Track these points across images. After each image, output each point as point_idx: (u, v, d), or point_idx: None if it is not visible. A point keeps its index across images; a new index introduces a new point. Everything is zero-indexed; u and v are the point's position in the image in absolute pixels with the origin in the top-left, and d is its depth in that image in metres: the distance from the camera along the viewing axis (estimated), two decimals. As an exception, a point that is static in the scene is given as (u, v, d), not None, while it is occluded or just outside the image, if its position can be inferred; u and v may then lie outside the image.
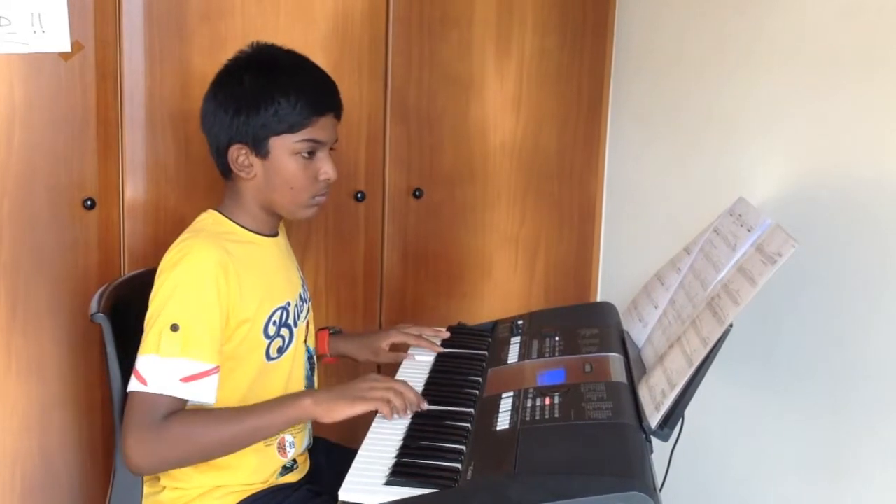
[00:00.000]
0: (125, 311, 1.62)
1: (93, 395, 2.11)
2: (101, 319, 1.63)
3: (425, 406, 1.58)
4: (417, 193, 2.38)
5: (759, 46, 1.98)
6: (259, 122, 1.61)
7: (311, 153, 1.64)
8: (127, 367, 1.56)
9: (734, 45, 2.07)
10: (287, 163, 1.63)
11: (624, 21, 2.53)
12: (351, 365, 2.04)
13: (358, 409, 1.53)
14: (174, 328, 1.50)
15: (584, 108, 2.56)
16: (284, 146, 1.62)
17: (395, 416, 1.54)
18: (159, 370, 1.49)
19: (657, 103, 2.40)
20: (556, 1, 2.46)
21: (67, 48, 1.97)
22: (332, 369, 2.14)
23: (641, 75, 2.48)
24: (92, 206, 2.05)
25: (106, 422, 2.11)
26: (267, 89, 1.61)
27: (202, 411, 1.53)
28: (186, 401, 1.51)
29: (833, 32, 1.78)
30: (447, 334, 1.94)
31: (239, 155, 1.63)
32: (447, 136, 2.41)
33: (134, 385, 1.49)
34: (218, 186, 1.74)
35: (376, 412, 1.55)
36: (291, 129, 1.62)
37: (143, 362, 1.50)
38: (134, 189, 2.09)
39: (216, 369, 1.53)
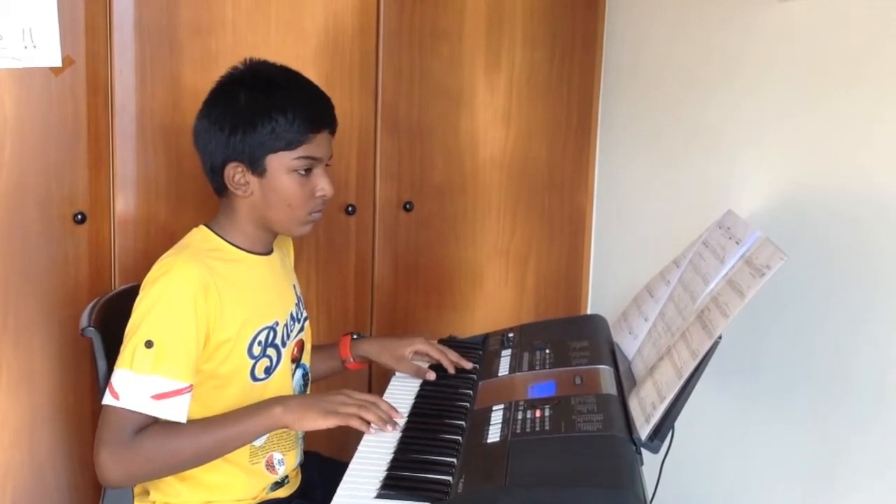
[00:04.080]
0: (115, 326, 1.62)
1: (83, 409, 2.11)
2: (92, 334, 1.64)
3: (398, 418, 1.59)
4: (408, 207, 2.39)
5: (747, 59, 2.00)
6: (256, 140, 1.59)
7: (308, 170, 1.63)
8: (117, 382, 1.56)
9: (722, 57, 2.09)
10: (284, 180, 1.62)
11: (613, 34, 2.55)
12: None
13: (330, 422, 1.53)
14: (148, 344, 1.50)
15: (574, 120, 2.57)
16: (281, 164, 1.61)
17: (373, 429, 1.54)
18: (131, 386, 1.48)
19: (646, 115, 2.42)
20: (545, 14, 2.47)
21: (58, 63, 1.97)
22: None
23: (630, 88, 2.49)
24: (82, 221, 2.05)
25: (96, 436, 2.10)
26: (263, 106, 1.59)
27: (174, 425, 1.51)
28: (157, 418, 1.50)
29: (819, 45, 1.79)
30: (470, 365, 1.84)
31: (235, 173, 1.62)
32: (437, 149, 2.42)
33: (107, 399, 1.49)
34: (209, 201, 1.73)
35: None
36: (288, 146, 1.60)
37: (116, 376, 1.50)
38: (125, 203, 2.10)
39: (189, 388, 1.52)
